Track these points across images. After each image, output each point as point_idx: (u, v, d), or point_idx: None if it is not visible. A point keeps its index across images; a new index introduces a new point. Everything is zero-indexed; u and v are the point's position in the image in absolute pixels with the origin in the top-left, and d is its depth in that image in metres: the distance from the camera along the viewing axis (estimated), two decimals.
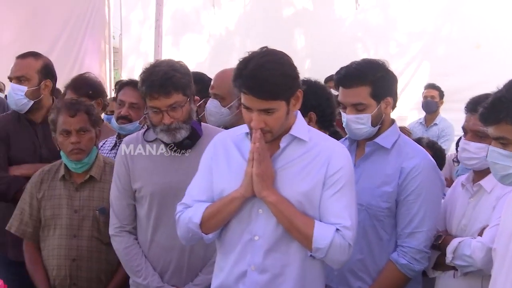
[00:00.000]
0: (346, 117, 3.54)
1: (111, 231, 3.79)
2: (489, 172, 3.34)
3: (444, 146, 6.96)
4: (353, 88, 3.51)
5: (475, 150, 3.48)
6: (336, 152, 3.09)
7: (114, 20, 10.01)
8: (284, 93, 2.93)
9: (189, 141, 3.62)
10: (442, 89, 9.20)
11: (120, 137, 4.76)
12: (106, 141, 4.92)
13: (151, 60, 9.20)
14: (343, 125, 3.62)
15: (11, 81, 4.73)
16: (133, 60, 10.57)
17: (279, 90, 2.90)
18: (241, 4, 11.17)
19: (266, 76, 2.88)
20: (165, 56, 9.36)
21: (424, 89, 9.31)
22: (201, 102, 4.79)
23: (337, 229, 2.99)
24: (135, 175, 3.71)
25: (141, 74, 3.58)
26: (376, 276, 3.57)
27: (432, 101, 9.14)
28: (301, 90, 3.05)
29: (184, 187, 3.49)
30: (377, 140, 3.59)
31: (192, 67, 9.35)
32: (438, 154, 5.23)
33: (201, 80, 4.94)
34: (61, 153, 4.06)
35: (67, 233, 4.00)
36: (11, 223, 4.13)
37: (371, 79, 3.49)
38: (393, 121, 3.68)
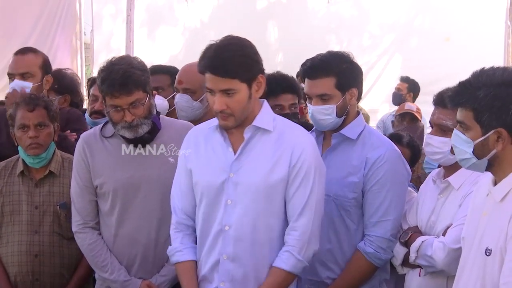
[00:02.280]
0: (312, 108, 3.58)
1: (74, 228, 3.78)
2: (458, 168, 3.36)
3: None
4: (318, 79, 3.55)
5: (439, 145, 3.46)
6: (300, 140, 3.19)
7: (86, 16, 9.95)
8: (243, 73, 3.06)
9: (148, 135, 3.64)
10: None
11: None
12: None
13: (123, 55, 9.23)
14: (309, 116, 3.66)
15: (11, 78, 4.69)
16: (105, 55, 10.48)
17: (237, 69, 3.04)
18: None
19: (226, 56, 3.04)
20: (138, 50, 9.34)
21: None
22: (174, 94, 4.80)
23: (288, 252, 3.16)
24: (95, 171, 3.70)
25: (99, 73, 3.58)
26: (344, 265, 3.61)
27: (397, 93, 9.16)
28: (263, 76, 3.16)
29: (146, 180, 3.63)
30: (343, 131, 3.62)
31: (166, 60, 9.35)
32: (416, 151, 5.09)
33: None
34: (19, 148, 4.04)
35: (28, 229, 3.98)
36: None
37: (336, 71, 3.54)
38: (358, 113, 3.72)
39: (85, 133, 3.85)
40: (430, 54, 9.95)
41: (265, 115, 3.22)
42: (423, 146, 3.63)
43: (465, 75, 2.80)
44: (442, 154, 3.46)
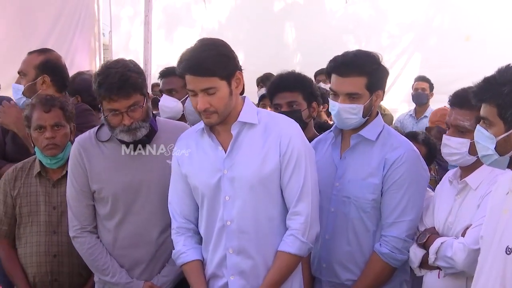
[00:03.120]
0: (339, 106, 3.53)
1: (71, 233, 3.77)
2: (476, 168, 3.36)
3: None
4: (350, 77, 3.51)
5: (456, 146, 3.42)
6: (285, 129, 3.27)
7: (104, 17, 9.97)
8: (221, 70, 3.14)
9: (146, 138, 3.63)
10: (432, 80, 9.22)
11: None
12: None
13: (141, 56, 9.27)
14: (333, 114, 3.61)
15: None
16: (123, 57, 10.54)
17: (214, 67, 3.12)
18: None
19: (202, 55, 3.13)
20: (156, 51, 9.35)
21: (415, 81, 9.33)
22: None
23: (293, 235, 3.24)
24: (93, 176, 3.69)
25: (95, 77, 3.56)
26: (364, 267, 3.60)
27: (423, 93, 9.17)
28: (241, 72, 3.24)
29: (146, 184, 3.65)
30: (362, 132, 3.60)
31: None
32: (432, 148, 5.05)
33: None
34: (36, 149, 4.05)
35: (46, 229, 4.00)
36: None
37: (368, 70, 3.51)
38: (377, 113, 3.70)
39: (79, 137, 3.82)
40: (450, 53, 9.92)
41: (249, 110, 3.31)
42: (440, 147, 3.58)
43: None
44: (460, 155, 3.43)
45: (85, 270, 4.01)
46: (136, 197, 3.66)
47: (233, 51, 3.24)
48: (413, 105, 9.40)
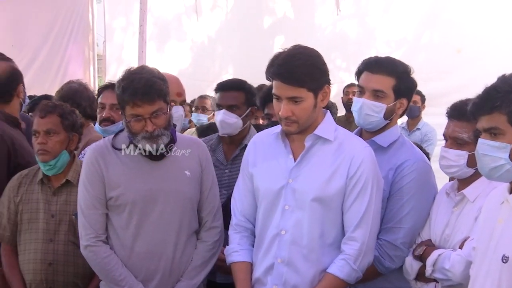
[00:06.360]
0: (363, 101, 3.57)
1: (85, 242, 3.61)
2: (473, 181, 3.37)
3: (427, 151, 6.97)
4: (379, 75, 3.57)
5: (455, 158, 3.43)
6: (359, 152, 3.24)
7: (98, 27, 9.97)
8: (311, 82, 3.11)
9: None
10: (424, 94, 9.26)
11: None
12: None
13: (134, 66, 9.26)
14: (355, 110, 3.63)
15: None
16: (116, 67, 10.55)
17: (306, 78, 3.11)
18: (223, 12, 11.21)
19: (296, 64, 3.09)
20: (149, 62, 9.39)
21: None
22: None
23: (345, 260, 3.21)
24: (111, 183, 3.59)
25: (120, 82, 3.51)
26: None
27: (415, 106, 9.17)
28: (329, 86, 3.20)
29: (163, 193, 3.58)
30: (375, 139, 3.63)
31: (175, 74, 9.45)
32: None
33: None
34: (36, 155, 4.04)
35: (44, 237, 3.98)
36: None
37: (398, 74, 3.57)
38: (395, 123, 3.74)
39: (94, 144, 3.76)
40: (439, 66, 9.91)
41: (327, 125, 3.28)
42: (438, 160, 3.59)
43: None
44: (458, 167, 3.44)
45: (82, 280, 4.00)
46: (154, 206, 3.57)
47: (326, 64, 3.21)
48: (405, 118, 9.42)
